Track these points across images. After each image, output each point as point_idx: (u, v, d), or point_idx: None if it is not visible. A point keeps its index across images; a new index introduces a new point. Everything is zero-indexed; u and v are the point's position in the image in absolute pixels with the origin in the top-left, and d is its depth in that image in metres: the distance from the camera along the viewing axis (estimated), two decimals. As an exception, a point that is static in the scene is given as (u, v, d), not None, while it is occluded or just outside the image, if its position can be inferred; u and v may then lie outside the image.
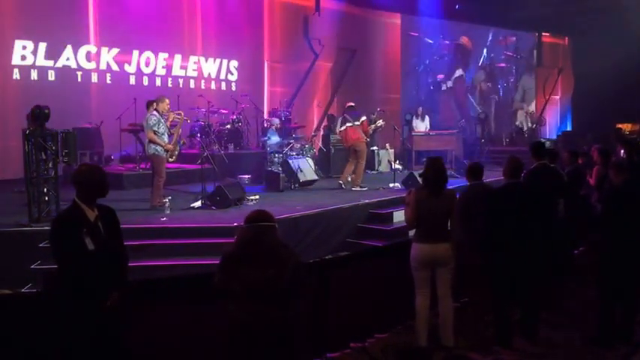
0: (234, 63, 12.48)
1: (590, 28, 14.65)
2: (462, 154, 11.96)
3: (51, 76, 9.85)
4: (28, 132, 6.04)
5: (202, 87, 11.91)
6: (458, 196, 4.83)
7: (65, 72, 9.98)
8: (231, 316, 2.86)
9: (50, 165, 6.22)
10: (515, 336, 4.28)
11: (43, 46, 9.70)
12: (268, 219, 2.93)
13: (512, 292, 4.30)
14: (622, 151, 7.82)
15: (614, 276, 4.26)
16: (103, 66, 10.46)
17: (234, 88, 12.33)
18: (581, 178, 6.20)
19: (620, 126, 13.73)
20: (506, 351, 4.15)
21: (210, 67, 12.13)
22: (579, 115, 16.69)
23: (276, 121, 10.32)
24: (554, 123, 18.59)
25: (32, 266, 5.38)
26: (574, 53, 17.06)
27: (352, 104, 9.20)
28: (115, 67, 10.61)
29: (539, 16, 14.83)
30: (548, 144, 11.03)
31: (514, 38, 17.47)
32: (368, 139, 9.09)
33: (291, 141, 10.12)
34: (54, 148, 6.21)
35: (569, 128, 17.90)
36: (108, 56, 10.51)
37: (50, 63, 9.82)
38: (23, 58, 9.57)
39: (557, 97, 18.64)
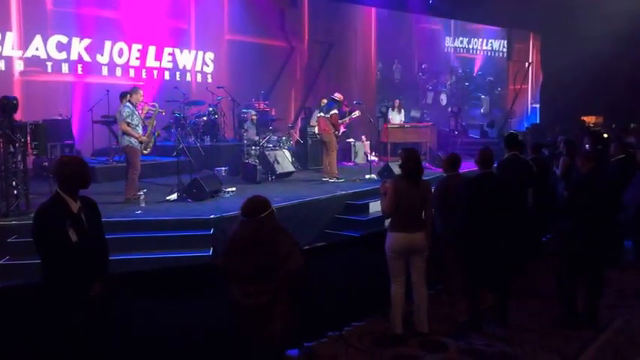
0: (209, 55, 12.34)
1: (558, 24, 15.07)
2: (435, 146, 12.17)
3: (19, 66, 9.56)
4: (-5, 124, 5.89)
5: (177, 79, 11.75)
6: (435, 187, 4.95)
7: (34, 62, 9.70)
8: (231, 296, 3.01)
9: (19, 158, 6.08)
10: (486, 321, 4.43)
11: (10, 36, 9.41)
12: (265, 207, 3.00)
13: (485, 279, 4.44)
14: (587, 144, 8.10)
15: (578, 262, 4.44)
16: (74, 56, 10.20)
17: (210, 80, 12.20)
18: (545, 168, 6.37)
19: (584, 118, 14.20)
20: (478, 336, 4.30)
21: (185, 58, 11.96)
22: (547, 108, 17.18)
23: (253, 112, 10.27)
24: (523, 115, 19.09)
25: (1, 261, 5.28)
26: (543, 49, 17.51)
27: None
28: (86, 58, 10.36)
29: (509, 12, 15.21)
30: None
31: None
32: (337, 133, 8.87)
33: (268, 133, 10.10)
34: (23, 140, 6.06)
35: (537, 121, 18.40)
36: (79, 46, 10.26)
37: (19, 53, 9.54)
38: (-11, 47, 9.28)
39: (527, 90, 19.12)
